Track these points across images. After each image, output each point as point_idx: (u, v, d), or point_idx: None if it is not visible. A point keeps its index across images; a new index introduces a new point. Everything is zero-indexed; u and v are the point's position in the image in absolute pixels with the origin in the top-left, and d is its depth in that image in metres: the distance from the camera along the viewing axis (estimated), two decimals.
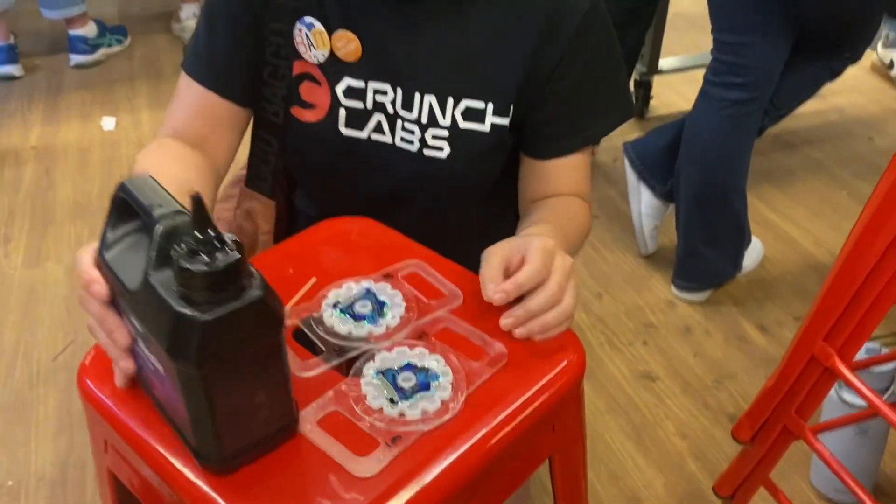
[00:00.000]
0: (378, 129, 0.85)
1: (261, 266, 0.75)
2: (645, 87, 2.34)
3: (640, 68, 2.31)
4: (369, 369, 0.62)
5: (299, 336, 0.67)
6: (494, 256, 0.69)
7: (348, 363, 0.64)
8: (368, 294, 0.70)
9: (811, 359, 0.94)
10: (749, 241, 1.73)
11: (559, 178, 0.90)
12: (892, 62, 2.61)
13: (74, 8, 2.53)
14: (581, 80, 0.85)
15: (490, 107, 0.83)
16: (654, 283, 1.77)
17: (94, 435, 0.66)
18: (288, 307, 0.69)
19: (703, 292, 1.71)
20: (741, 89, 1.52)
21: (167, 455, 0.56)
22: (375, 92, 0.83)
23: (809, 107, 2.38)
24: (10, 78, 2.52)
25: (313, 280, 0.72)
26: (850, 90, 2.53)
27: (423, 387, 0.61)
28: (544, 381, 0.63)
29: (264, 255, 0.77)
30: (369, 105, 0.84)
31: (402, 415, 0.59)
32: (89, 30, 2.62)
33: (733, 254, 1.71)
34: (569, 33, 0.81)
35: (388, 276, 0.73)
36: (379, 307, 0.68)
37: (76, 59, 2.61)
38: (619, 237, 1.89)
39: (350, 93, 0.83)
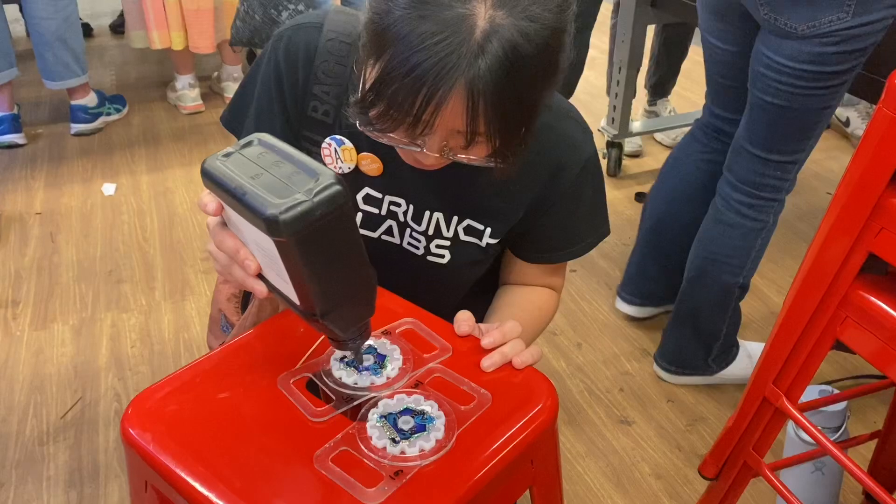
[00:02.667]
0: (388, 232, 0.98)
1: (276, 327, 0.87)
2: (617, 148, 2.49)
3: (611, 130, 2.47)
4: (373, 414, 0.73)
5: (312, 387, 0.77)
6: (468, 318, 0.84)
7: (355, 409, 0.74)
8: (370, 349, 0.81)
9: (763, 400, 1.05)
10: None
11: (539, 276, 1.04)
12: (848, 120, 2.79)
13: (76, 79, 2.66)
14: (573, 212, 0.99)
15: (488, 230, 0.96)
16: (629, 332, 1.88)
17: (133, 477, 0.76)
18: (300, 363, 0.80)
19: (643, 308, 1.86)
20: (720, 153, 1.64)
21: (202, 490, 0.66)
22: (390, 203, 0.95)
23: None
24: (14, 146, 2.64)
25: (321, 338, 0.82)
26: None
27: (420, 428, 0.71)
28: (523, 421, 0.73)
29: (278, 318, 0.88)
30: (383, 212, 0.96)
31: (402, 452, 0.69)
32: (90, 99, 2.75)
33: (676, 284, 1.83)
34: (569, 180, 0.94)
35: (387, 333, 0.84)
36: (380, 360, 0.79)
37: (77, 127, 2.73)
38: (596, 289, 2.01)
39: (368, 200, 0.95)
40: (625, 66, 2.37)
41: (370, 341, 0.81)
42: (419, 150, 0.77)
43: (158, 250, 2.14)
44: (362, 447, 0.70)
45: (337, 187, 0.61)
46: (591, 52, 2.36)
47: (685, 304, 1.67)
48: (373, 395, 0.75)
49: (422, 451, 0.69)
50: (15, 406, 1.63)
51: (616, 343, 1.85)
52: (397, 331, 0.84)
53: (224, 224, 0.72)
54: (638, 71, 2.40)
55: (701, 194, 1.69)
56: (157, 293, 1.98)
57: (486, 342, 0.81)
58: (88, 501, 1.42)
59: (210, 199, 0.68)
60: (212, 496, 0.66)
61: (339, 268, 0.65)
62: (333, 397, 0.75)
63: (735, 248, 1.56)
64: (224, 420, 0.73)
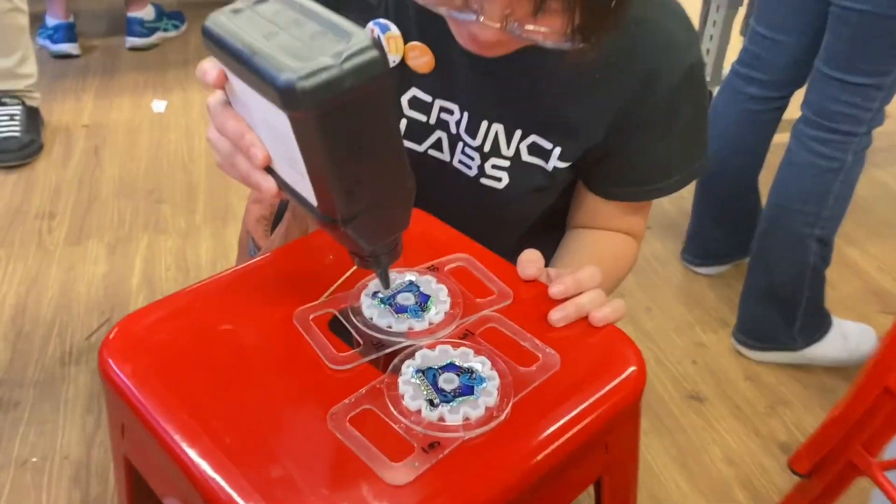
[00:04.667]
0: (437, 145, 0.81)
1: (300, 252, 0.71)
2: (708, 97, 2.26)
3: None
4: (408, 367, 0.57)
5: (336, 327, 0.62)
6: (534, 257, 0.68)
7: (387, 359, 0.59)
8: (411, 286, 0.65)
9: (884, 390, 0.86)
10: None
11: (617, 217, 0.86)
12: None
13: None
14: (666, 135, 0.80)
15: (557, 150, 0.78)
16: (707, 299, 1.69)
17: (111, 417, 0.62)
18: (324, 296, 0.64)
19: (709, 267, 1.74)
20: (760, 86, 1.50)
21: (182, 443, 0.52)
22: (441, 109, 0.79)
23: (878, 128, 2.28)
24: (68, 56, 2.54)
25: (354, 268, 0.67)
26: None
27: (467, 390, 0.55)
28: (601, 393, 0.57)
29: (304, 241, 0.73)
30: (432, 120, 0.80)
31: (441, 419, 0.54)
32: (147, 13, 2.62)
33: (742, 237, 1.70)
34: (664, 92, 0.76)
35: (433, 269, 0.67)
36: (422, 301, 0.63)
37: (132, 41, 2.61)
38: (672, 249, 1.82)
39: (415, 104, 0.79)
40: (724, 5, 2.13)
41: (411, 276, 0.66)
42: (475, 18, 0.60)
43: (203, 172, 2.02)
44: (391, 407, 0.54)
45: (373, 53, 0.45)
46: None
47: (758, 263, 1.51)
48: (410, 342, 0.60)
49: (466, 419, 0.54)
50: (40, 323, 1.54)
51: (691, 310, 1.66)
52: (447, 268, 0.68)
53: (228, 103, 0.57)
54: (737, 12, 2.15)
55: (748, 143, 1.57)
56: (197, 216, 1.86)
57: (556, 290, 0.64)
58: (104, 430, 1.32)
59: (211, 66, 0.53)
60: (192, 453, 0.51)
61: (369, 160, 0.49)
62: (360, 341, 0.60)
63: (808, 193, 1.39)
64: (223, 357, 0.59)
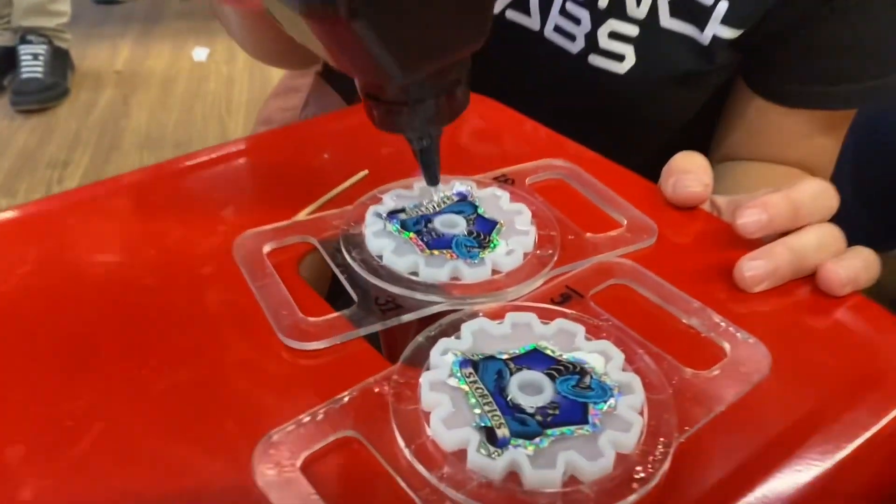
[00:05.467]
0: (520, 4, 0.51)
1: (294, 139, 0.42)
2: None
3: None
4: (444, 352, 0.27)
5: (312, 270, 0.33)
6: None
7: (403, 334, 0.29)
8: (463, 204, 0.35)
9: None
10: None
11: (796, 142, 0.55)
12: None
13: None
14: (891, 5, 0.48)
15: (723, 7, 0.47)
16: None
17: None
18: (303, 213, 0.35)
19: None
20: None
21: None
22: None
23: None
24: (111, 2, 2.35)
25: (364, 173, 0.37)
26: None
27: (571, 412, 0.25)
28: (864, 438, 0.26)
29: (305, 125, 0.43)
30: None
31: (512, 474, 0.23)
32: None
33: (890, 220, 1.34)
34: None
35: (505, 180, 0.37)
36: (482, 229, 0.33)
37: None
38: None
39: None
40: None
41: (462, 186, 0.36)
42: None
43: (241, 125, 1.77)
44: (399, 441, 0.24)
45: None
46: None
47: None
48: (452, 304, 0.30)
49: (575, 482, 0.23)
50: None
51: None
52: (529, 179, 0.38)
53: None
54: None
55: None
56: None
57: (750, 219, 0.33)
58: None
59: None
60: None
61: None
62: (355, 297, 0.30)
63: None
64: (92, 317, 0.30)
